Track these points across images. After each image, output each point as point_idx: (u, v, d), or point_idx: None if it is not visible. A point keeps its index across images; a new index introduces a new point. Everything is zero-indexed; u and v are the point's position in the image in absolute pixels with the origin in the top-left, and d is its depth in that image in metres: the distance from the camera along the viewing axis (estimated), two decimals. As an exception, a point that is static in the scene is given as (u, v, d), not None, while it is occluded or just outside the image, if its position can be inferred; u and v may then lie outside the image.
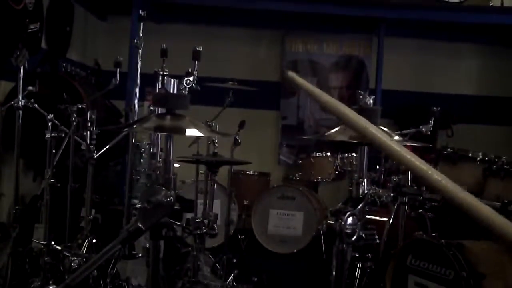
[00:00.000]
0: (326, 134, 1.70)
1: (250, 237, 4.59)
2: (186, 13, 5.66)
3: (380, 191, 3.36)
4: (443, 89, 5.82)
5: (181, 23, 5.79)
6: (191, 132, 1.74)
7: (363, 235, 1.48)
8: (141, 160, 3.84)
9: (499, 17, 5.00)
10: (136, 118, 3.36)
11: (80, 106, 3.12)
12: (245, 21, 5.75)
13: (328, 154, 4.86)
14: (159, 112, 2.34)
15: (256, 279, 3.70)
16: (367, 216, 1.53)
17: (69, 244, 3.03)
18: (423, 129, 3.47)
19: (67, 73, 4.28)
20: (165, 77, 2.96)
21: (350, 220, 1.45)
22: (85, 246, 3.02)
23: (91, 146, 3.08)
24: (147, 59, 3.27)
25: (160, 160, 3.13)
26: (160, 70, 3.00)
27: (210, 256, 3.68)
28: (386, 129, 1.63)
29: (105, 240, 2.81)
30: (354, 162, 4.74)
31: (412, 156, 1.05)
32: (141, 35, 3.19)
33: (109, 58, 3.70)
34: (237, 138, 3.74)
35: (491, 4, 5.04)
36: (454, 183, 0.99)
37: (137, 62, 3.29)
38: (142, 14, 3.26)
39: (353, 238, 1.46)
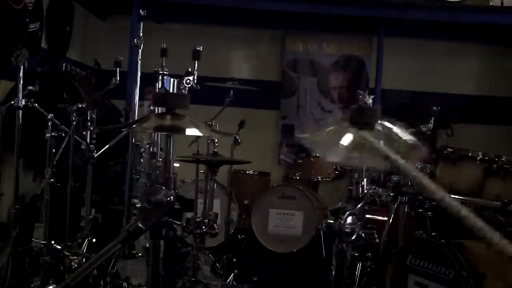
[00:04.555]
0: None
1: (250, 236, 4.60)
2: (186, 13, 5.66)
3: (380, 190, 3.39)
4: (443, 89, 5.82)
5: (181, 22, 5.79)
6: (191, 131, 1.74)
7: (363, 235, 1.48)
8: (141, 160, 3.84)
9: (499, 17, 5.00)
10: (136, 117, 3.36)
11: (80, 106, 3.12)
12: (245, 21, 5.75)
13: (328, 153, 4.85)
14: (159, 111, 2.34)
15: (256, 279, 3.70)
16: (367, 216, 1.53)
17: (69, 243, 3.02)
18: (423, 128, 3.47)
19: (67, 72, 4.29)
20: (165, 77, 2.96)
21: (350, 219, 1.45)
22: (85, 245, 3.02)
23: (91, 146, 3.08)
24: (147, 58, 3.27)
25: (160, 159, 3.13)
26: (160, 69, 3.00)
27: (210, 255, 3.68)
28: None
29: (105, 240, 2.81)
30: (354, 162, 4.73)
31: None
32: (141, 34, 3.19)
33: (109, 58, 3.70)
34: (237, 137, 3.74)
35: (491, 4, 5.04)
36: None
37: (137, 62, 3.29)
38: (142, 14, 3.26)
39: (353, 238, 1.45)
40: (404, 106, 5.51)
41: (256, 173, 5.00)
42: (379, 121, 1.27)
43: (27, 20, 3.84)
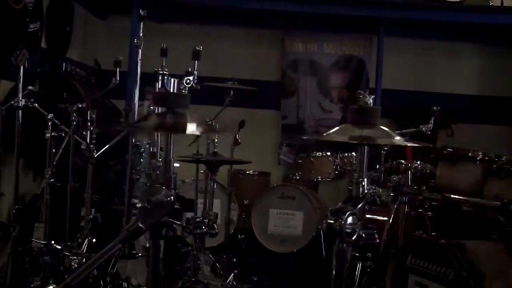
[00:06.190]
0: (325, 134, 1.69)
1: (250, 236, 4.60)
2: (186, 13, 5.66)
3: (380, 190, 3.37)
4: (443, 89, 5.82)
5: (181, 22, 5.79)
6: (192, 129, 1.73)
7: (363, 235, 1.48)
8: (141, 160, 3.85)
9: (499, 17, 5.00)
10: (136, 117, 3.36)
11: (80, 106, 3.13)
12: (245, 21, 5.74)
13: (328, 153, 4.86)
14: (159, 111, 2.34)
15: (256, 279, 3.70)
16: (367, 216, 1.53)
17: (69, 243, 3.03)
18: (423, 128, 3.47)
19: (67, 72, 4.28)
20: (165, 77, 2.97)
21: (350, 219, 1.45)
22: (85, 245, 3.03)
23: (91, 146, 3.08)
24: (147, 58, 3.27)
25: (160, 159, 3.13)
26: (160, 69, 3.00)
27: (210, 255, 3.68)
28: (386, 129, 1.63)
29: (105, 240, 2.81)
30: (354, 162, 4.74)
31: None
32: (141, 34, 3.19)
33: (109, 58, 3.70)
34: (237, 137, 3.74)
35: (491, 4, 5.04)
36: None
37: (137, 62, 3.28)
38: (142, 14, 3.26)
39: (353, 238, 1.46)
40: (404, 106, 5.52)
41: (256, 173, 5.00)
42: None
43: (27, 20, 3.85)
